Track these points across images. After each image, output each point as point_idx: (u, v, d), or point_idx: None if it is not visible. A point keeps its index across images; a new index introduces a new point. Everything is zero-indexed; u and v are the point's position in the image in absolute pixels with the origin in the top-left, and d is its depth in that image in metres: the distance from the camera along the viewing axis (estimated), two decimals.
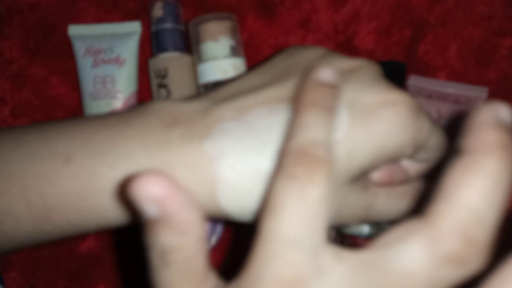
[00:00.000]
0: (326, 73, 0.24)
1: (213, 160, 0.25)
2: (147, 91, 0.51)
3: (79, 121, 0.28)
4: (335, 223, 0.27)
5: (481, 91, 0.46)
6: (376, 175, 0.29)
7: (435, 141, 0.28)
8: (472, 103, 0.46)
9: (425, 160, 0.30)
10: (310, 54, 0.29)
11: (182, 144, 0.25)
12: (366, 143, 0.25)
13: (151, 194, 0.20)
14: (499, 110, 0.20)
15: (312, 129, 0.22)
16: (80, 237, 0.51)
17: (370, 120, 0.25)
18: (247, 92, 0.27)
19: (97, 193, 0.25)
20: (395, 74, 0.47)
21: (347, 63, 0.28)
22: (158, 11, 0.49)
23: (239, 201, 0.25)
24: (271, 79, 0.28)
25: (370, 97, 0.25)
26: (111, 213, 0.26)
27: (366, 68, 0.27)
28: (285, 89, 0.26)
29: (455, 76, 0.48)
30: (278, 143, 0.24)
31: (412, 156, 0.28)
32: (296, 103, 0.24)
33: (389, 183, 0.29)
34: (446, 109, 0.45)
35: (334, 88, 0.24)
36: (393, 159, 0.27)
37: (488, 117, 0.20)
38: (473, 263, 0.19)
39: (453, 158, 0.20)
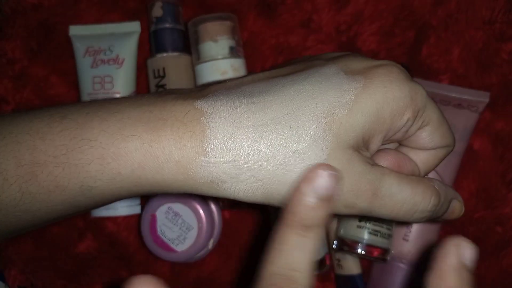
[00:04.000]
0: (323, 179, 0.24)
1: (204, 113, 0.25)
2: (146, 92, 0.50)
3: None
4: (342, 203, 0.26)
5: (484, 96, 0.45)
6: (383, 163, 0.28)
7: (433, 112, 0.28)
8: (473, 107, 0.45)
9: (430, 145, 0.29)
10: (306, 56, 0.31)
11: (175, 103, 0.26)
12: (365, 98, 0.25)
13: None
14: (464, 251, 0.22)
15: (292, 253, 0.23)
16: (78, 237, 0.51)
17: (367, 77, 0.26)
18: (244, 77, 0.28)
19: (83, 144, 0.25)
20: None
21: (339, 53, 0.29)
22: (157, 11, 0.48)
23: (226, 156, 0.25)
24: (266, 70, 0.29)
25: (361, 63, 0.27)
26: (94, 171, 0.25)
27: (355, 53, 0.29)
28: (280, 71, 0.28)
29: (457, 79, 0.47)
30: (271, 103, 0.25)
31: (413, 128, 0.28)
32: (284, 215, 0.24)
33: (397, 171, 0.28)
34: (448, 113, 0.44)
35: (327, 203, 0.24)
36: (395, 123, 0.27)
37: (453, 260, 0.22)
38: None
39: None
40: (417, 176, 0.29)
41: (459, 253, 0.22)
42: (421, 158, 0.30)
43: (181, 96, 0.26)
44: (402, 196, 0.26)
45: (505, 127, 0.47)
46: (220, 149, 0.25)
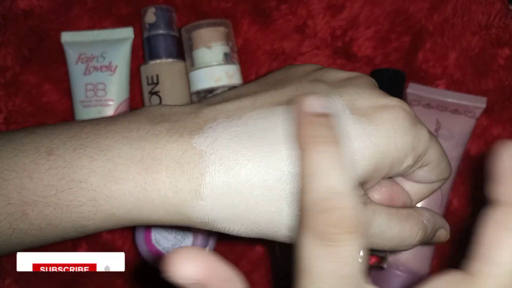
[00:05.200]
0: (314, 102, 0.22)
1: (203, 154, 0.24)
2: (139, 99, 0.50)
3: (69, 122, 0.28)
4: None
5: (480, 101, 0.45)
6: (376, 195, 0.28)
7: (434, 154, 0.27)
8: (470, 112, 0.44)
9: (426, 180, 0.29)
10: (305, 67, 0.29)
11: (169, 138, 0.24)
12: (369, 149, 0.24)
13: (192, 275, 0.19)
14: None
15: (327, 175, 0.21)
16: (72, 247, 0.50)
17: (371, 122, 0.25)
18: (243, 97, 0.27)
19: (74, 186, 0.24)
20: (394, 82, 0.45)
21: (342, 73, 0.28)
22: (150, 17, 0.48)
23: (224, 201, 0.24)
24: (266, 88, 0.28)
25: (367, 101, 0.25)
26: (87, 212, 0.25)
27: (361, 78, 0.27)
28: (282, 95, 0.26)
29: (453, 85, 0.47)
30: (274, 146, 0.24)
31: (411, 170, 0.27)
32: (298, 142, 0.23)
33: (389, 204, 0.28)
34: (445, 119, 0.44)
35: (329, 117, 0.22)
36: (394, 170, 0.26)
37: None
38: None
39: (486, 208, 0.20)
40: (408, 207, 0.29)
41: None
42: (414, 190, 0.30)
43: (176, 128, 0.25)
44: (390, 234, 0.27)
45: (502, 133, 0.46)
46: (218, 194, 0.24)
